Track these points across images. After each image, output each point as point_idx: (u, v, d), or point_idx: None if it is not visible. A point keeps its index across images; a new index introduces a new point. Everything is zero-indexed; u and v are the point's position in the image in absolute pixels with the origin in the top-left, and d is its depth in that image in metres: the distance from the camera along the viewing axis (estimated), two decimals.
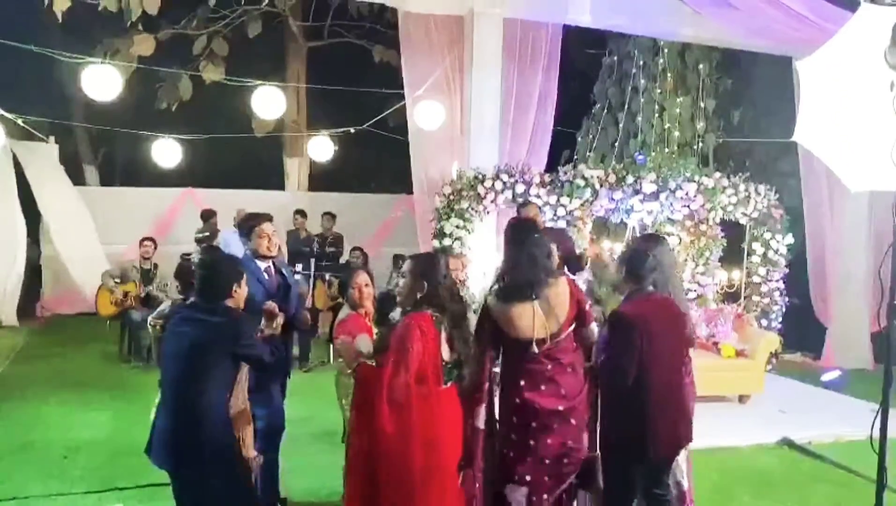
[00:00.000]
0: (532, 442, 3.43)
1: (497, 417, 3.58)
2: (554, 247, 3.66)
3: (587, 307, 3.66)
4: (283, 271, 4.34)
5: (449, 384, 3.29)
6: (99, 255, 10.64)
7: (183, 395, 3.22)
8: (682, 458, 3.62)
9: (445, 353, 3.28)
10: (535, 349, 3.43)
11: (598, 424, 3.59)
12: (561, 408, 3.43)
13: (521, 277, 3.46)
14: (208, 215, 9.78)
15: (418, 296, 3.31)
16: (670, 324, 3.50)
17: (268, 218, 4.30)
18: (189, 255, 8.72)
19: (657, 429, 3.38)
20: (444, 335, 3.27)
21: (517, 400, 3.45)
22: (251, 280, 4.03)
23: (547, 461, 3.44)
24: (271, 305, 3.91)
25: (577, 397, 3.49)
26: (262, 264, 4.18)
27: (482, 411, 3.49)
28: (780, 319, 8.06)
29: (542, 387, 3.43)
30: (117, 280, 8.27)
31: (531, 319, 3.42)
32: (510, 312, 3.44)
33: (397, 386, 3.12)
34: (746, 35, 7.94)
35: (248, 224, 4.30)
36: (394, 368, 3.14)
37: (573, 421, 3.46)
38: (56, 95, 12.04)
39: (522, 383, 3.45)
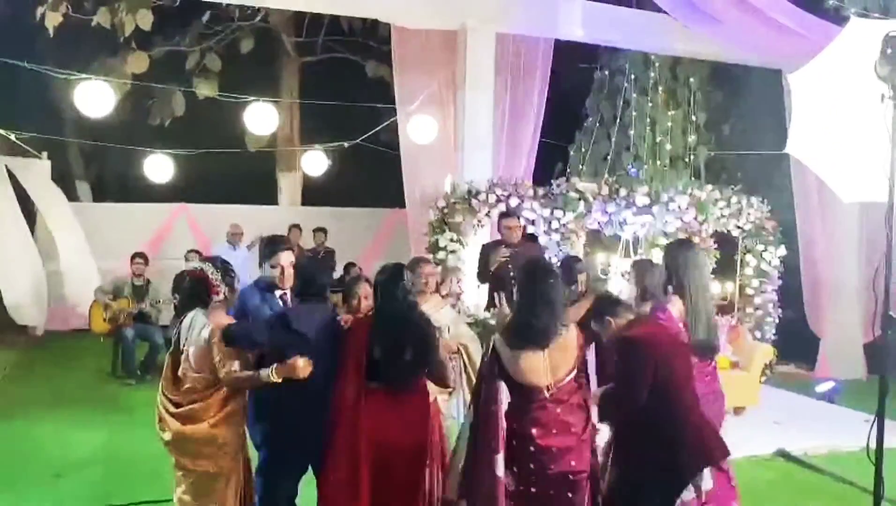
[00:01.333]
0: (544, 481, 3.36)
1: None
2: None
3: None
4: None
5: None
6: (92, 271, 10.59)
7: None
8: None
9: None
10: (546, 395, 3.37)
11: (613, 453, 3.53)
12: (573, 444, 3.37)
13: (535, 324, 3.37)
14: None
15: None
16: (676, 342, 3.49)
17: (288, 247, 4.10)
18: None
19: (681, 451, 3.30)
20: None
21: (531, 448, 3.36)
22: (262, 309, 3.95)
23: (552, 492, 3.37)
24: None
25: (585, 428, 3.44)
26: (277, 291, 4.01)
27: (500, 460, 3.34)
28: (774, 331, 8.08)
29: (554, 430, 3.36)
30: (110, 296, 8.24)
31: (541, 367, 3.36)
32: (520, 358, 3.37)
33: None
34: (736, 49, 8.02)
35: (268, 249, 4.08)
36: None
37: (583, 451, 3.41)
38: (49, 111, 12.02)
39: (534, 430, 3.36)
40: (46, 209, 10.82)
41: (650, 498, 3.35)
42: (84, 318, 8.95)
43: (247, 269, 6.68)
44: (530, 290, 3.44)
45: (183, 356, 3.55)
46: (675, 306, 3.74)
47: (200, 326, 3.49)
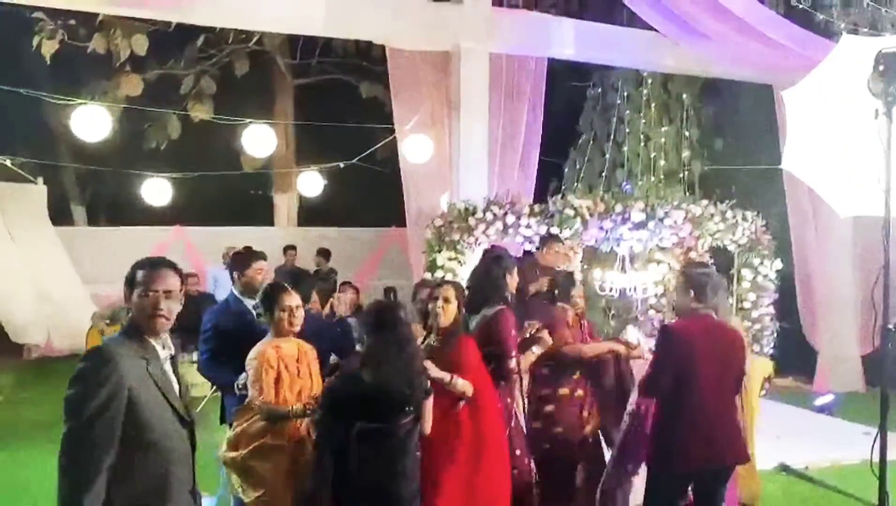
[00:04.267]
0: None
1: None
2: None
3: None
4: None
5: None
6: (82, 296, 10.58)
7: None
8: None
9: None
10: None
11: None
12: None
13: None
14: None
15: None
16: (723, 347, 3.58)
17: (262, 256, 4.26)
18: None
19: (688, 444, 3.45)
20: None
21: None
22: (238, 320, 4.01)
23: None
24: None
25: None
26: (249, 303, 4.10)
27: None
28: (772, 345, 8.08)
29: None
30: (107, 321, 8.22)
31: None
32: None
33: None
34: (727, 65, 8.09)
35: (241, 261, 4.24)
36: None
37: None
38: (45, 137, 12.06)
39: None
40: (35, 236, 10.79)
41: (654, 489, 3.58)
42: (78, 343, 8.93)
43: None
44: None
45: None
46: None
47: None
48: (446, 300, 3.64)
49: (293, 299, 3.61)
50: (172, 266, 2.60)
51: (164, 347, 2.55)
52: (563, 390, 4.33)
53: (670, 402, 3.51)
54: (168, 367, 2.56)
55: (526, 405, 4.03)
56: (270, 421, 3.42)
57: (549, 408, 4.32)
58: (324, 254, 10.34)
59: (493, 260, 4.13)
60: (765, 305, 8.04)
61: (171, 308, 2.51)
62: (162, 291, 2.50)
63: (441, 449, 3.45)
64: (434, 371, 3.38)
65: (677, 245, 7.96)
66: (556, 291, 4.76)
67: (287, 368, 3.50)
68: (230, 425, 3.92)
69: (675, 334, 3.56)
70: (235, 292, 4.22)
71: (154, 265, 2.58)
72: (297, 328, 3.62)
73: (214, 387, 5.65)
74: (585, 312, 4.96)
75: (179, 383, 2.59)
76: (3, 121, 10.32)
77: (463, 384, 3.48)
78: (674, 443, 3.49)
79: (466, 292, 3.95)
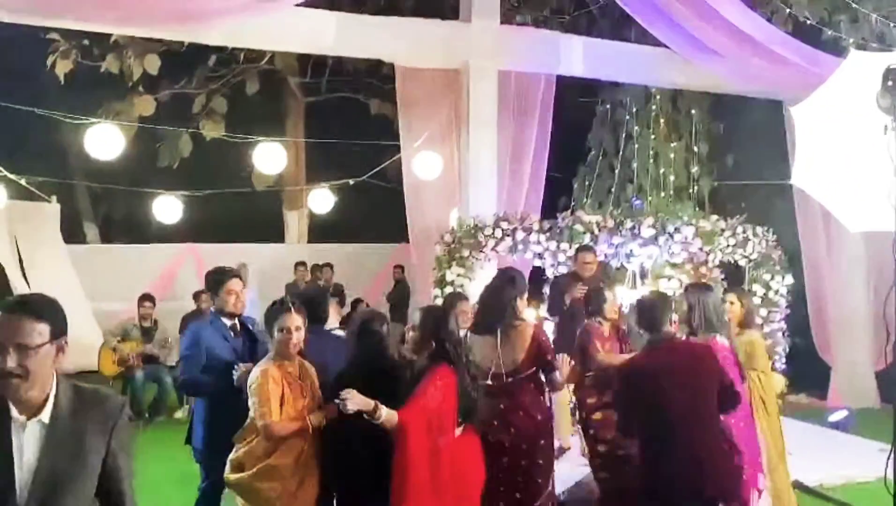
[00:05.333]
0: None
1: None
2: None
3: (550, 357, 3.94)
4: (249, 327, 4.21)
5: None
6: (87, 313, 10.65)
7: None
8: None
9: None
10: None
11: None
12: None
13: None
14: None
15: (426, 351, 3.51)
16: (691, 370, 3.47)
17: (235, 274, 4.22)
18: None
19: (672, 479, 3.35)
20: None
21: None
22: (216, 337, 4.01)
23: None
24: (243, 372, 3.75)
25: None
26: (227, 322, 4.09)
27: None
28: (784, 361, 8.03)
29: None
30: (119, 339, 8.25)
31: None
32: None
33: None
34: (736, 81, 8.11)
35: (215, 280, 4.16)
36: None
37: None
38: (59, 156, 12.19)
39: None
40: (47, 254, 10.87)
41: None
42: (84, 361, 8.95)
43: (256, 307, 6.71)
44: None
45: None
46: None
47: None
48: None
49: (293, 320, 3.53)
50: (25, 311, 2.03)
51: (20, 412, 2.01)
52: (607, 399, 4.46)
53: (648, 439, 3.42)
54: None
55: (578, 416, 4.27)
56: (272, 439, 3.40)
57: (598, 416, 4.52)
58: (329, 267, 10.39)
59: (508, 281, 4.10)
60: (776, 321, 7.99)
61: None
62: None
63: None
64: (357, 399, 3.25)
65: (688, 261, 7.95)
66: (589, 307, 4.91)
67: (290, 387, 3.48)
68: (204, 446, 3.99)
69: (632, 374, 3.46)
70: (214, 310, 4.20)
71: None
72: (296, 350, 3.55)
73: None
74: (621, 323, 5.07)
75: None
76: (18, 140, 10.45)
77: (387, 415, 3.27)
78: (658, 480, 3.38)
79: (476, 310, 3.98)
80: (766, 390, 4.73)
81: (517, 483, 3.79)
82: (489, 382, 3.83)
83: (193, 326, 4.24)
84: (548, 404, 4.07)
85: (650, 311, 3.54)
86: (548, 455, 3.95)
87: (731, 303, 4.77)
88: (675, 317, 3.69)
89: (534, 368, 3.88)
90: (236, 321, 4.12)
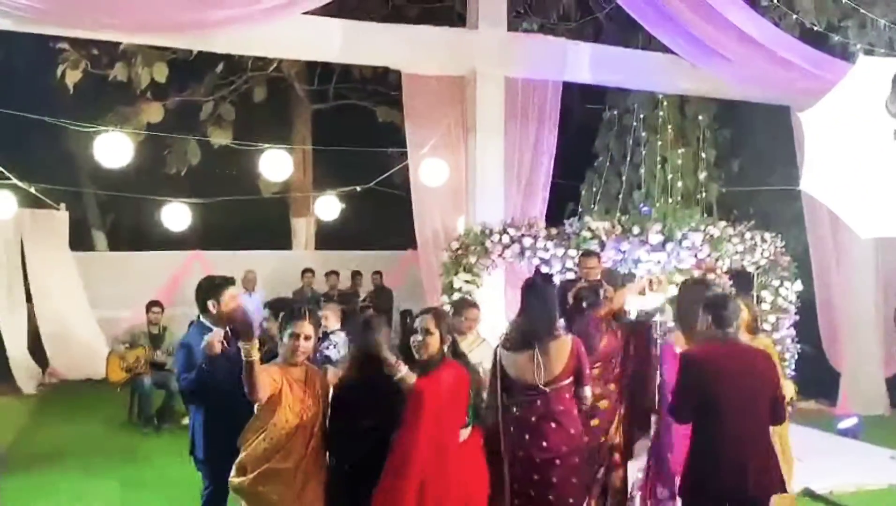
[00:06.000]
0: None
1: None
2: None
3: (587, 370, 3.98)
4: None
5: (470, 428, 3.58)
6: (91, 321, 10.72)
7: None
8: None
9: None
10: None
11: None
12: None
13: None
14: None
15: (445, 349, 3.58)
16: (749, 370, 3.51)
17: (232, 282, 4.22)
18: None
19: (719, 473, 3.41)
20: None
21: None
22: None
23: None
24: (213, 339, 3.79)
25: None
26: (218, 330, 4.00)
27: None
28: (794, 367, 7.98)
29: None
30: (126, 346, 8.27)
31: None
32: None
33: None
34: (744, 86, 8.09)
35: (213, 287, 4.12)
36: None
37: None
38: (68, 164, 12.25)
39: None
40: (55, 261, 10.93)
41: None
42: (93, 368, 9.00)
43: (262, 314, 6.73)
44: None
45: None
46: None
47: None
48: (427, 332, 3.58)
49: (304, 328, 3.54)
50: None
51: None
52: (612, 386, 4.53)
53: (699, 430, 3.46)
54: None
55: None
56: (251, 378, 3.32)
57: (605, 403, 4.51)
58: (335, 275, 10.41)
59: (551, 295, 4.11)
60: (785, 328, 7.95)
61: None
62: None
63: None
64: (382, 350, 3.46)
65: (696, 267, 7.92)
66: (584, 303, 4.89)
67: (291, 389, 3.48)
68: (206, 456, 4.00)
69: (695, 361, 3.51)
70: (206, 322, 4.11)
71: None
72: (302, 357, 3.56)
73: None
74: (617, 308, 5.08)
75: None
76: (28, 148, 10.52)
77: (406, 373, 3.44)
78: (704, 472, 3.43)
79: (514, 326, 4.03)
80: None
81: (548, 502, 3.73)
82: (524, 393, 3.82)
83: (184, 343, 4.12)
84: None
85: (723, 308, 3.57)
86: (582, 475, 3.92)
87: (740, 309, 4.74)
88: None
89: (570, 379, 3.88)
90: (227, 329, 4.00)
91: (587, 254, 6.65)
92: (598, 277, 6.47)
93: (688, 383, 3.48)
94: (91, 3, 5.90)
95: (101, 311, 11.04)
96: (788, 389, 7.19)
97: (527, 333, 3.86)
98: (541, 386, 3.76)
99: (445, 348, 3.58)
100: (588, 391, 3.95)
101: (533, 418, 3.76)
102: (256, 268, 10.50)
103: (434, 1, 11.44)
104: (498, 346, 4.00)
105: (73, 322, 10.77)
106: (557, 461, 3.72)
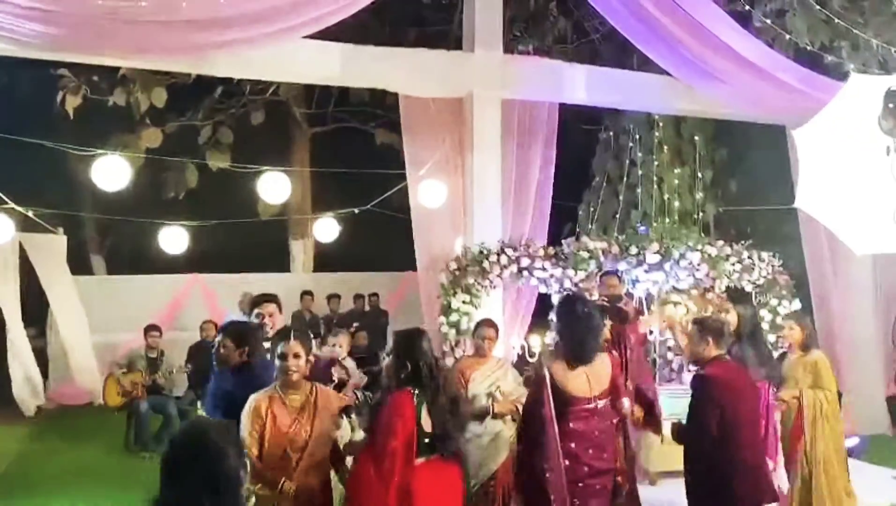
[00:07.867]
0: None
1: None
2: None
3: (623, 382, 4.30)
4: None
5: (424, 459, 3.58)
6: (88, 346, 10.68)
7: None
8: None
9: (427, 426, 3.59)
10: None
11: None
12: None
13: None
14: None
15: (402, 375, 3.64)
16: (749, 386, 3.87)
17: (273, 298, 4.30)
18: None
19: (740, 487, 3.60)
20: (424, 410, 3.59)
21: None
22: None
23: None
24: None
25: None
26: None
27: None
28: None
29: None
30: (124, 370, 8.23)
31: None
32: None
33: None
34: (739, 106, 8.14)
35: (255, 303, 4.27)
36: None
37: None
38: (66, 188, 12.26)
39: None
40: (59, 285, 10.93)
41: None
42: (91, 393, 8.93)
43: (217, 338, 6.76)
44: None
45: None
46: None
47: None
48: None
49: (290, 348, 3.56)
50: None
51: None
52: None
53: (718, 446, 3.62)
54: None
55: None
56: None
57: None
58: (337, 298, 10.39)
59: (598, 312, 4.35)
60: (784, 347, 7.93)
61: None
62: None
63: None
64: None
65: (694, 287, 7.92)
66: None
67: (276, 422, 3.46)
68: None
69: (715, 381, 3.73)
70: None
71: None
72: (297, 377, 3.56)
73: None
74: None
75: None
76: (26, 172, 10.53)
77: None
78: (724, 486, 3.59)
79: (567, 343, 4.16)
80: (832, 409, 5.17)
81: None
82: (579, 407, 4.03)
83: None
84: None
85: (720, 329, 3.96)
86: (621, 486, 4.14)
87: (791, 328, 5.23)
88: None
89: (613, 394, 4.17)
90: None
91: (608, 273, 6.82)
92: (621, 294, 6.62)
93: (711, 402, 3.72)
94: (94, 27, 5.94)
95: (100, 335, 11.00)
96: None
97: (577, 350, 4.07)
98: (594, 400, 4.01)
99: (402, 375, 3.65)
100: (627, 403, 4.32)
101: (596, 433, 4.01)
102: (255, 290, 10.45)
103: (431, 24, 11.55)
104: (545, 363, 4.17)
105: (72, 346, 10.73)
106: (610, 470, 4.03)
